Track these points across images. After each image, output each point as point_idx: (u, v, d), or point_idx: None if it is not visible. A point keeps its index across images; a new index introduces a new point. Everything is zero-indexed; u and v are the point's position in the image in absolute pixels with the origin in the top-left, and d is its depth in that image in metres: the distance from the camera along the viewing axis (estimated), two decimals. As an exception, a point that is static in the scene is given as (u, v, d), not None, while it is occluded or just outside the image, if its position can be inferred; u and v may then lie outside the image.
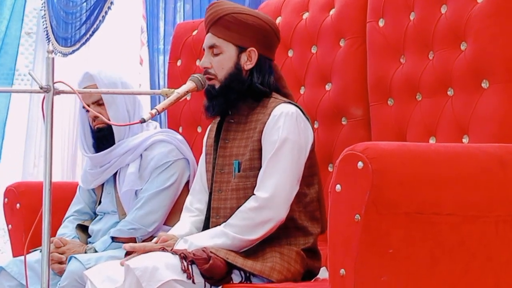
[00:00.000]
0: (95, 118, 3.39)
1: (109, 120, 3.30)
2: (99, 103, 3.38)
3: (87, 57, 5.73)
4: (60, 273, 3.22)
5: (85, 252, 3.26)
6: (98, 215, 3.50)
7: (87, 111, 3.39)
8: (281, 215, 2.75)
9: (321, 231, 2.85)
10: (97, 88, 3.32)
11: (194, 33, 3.82)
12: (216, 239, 2.73)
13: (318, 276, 2.87)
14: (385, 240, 2.21)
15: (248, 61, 2.88)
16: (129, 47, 5.58)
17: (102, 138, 3.41)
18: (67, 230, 3.46)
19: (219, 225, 2.80)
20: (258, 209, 2.73)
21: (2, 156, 6.09)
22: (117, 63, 5.49)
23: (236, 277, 2.69)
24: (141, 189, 3.35)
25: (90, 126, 3.45)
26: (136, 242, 3.19)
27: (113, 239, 3.28)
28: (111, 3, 5.40)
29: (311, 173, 2.86)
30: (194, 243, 2.72)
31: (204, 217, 2.95)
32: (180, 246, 2.73)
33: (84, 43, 5.68)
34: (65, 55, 5.80)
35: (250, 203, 2.76)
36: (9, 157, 6.16)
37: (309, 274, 2.84)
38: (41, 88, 2.51)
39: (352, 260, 2.20)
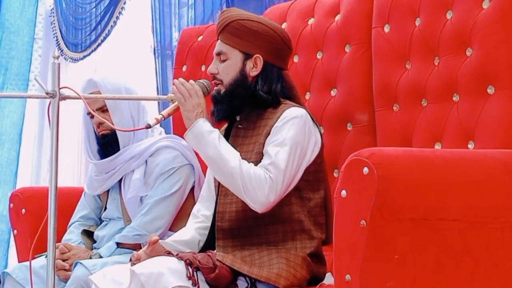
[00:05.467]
0: (99, 124, 3.39)
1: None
2: (102, 109, 3.38)
3: (100, 64, 5.71)
4: (65, 279, 3.22)
5: (90, 258, 3.26)
6: (103, 221, 3.50)
7: (91, 117, 3.40)
8: (270, 197, 2.69)
9: (326, 240, 2.84)
10: (100, 94, 3.32)
11: (200, 38, 3.82)
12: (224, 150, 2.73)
13: (323, 281, 2.86)
14: (391, 246, 2.20)
15: (254, 68, 2.88)
16: (141, 53, 5.55)
17: (107, 144, 3.41)
18: (73, 235, 3.46)
19: (224, 229, 2.81)
20: (269, 177, 2.69)
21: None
22: (129, 69, 5.47)
23: (241, 283, 2.69)
24: (146, 195, 3.35)
25: (95, 133, 3.46)
26: (141, 248, 3.19)
27: (118, 245, 3.28)
28: (122, 8, 5.38)
29: (317, 178, 2.85)
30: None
31: (210, 224, 2.94)
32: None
33: (95, 49, 5.65)
34: (75, 60, 5.79)
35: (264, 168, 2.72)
36: (24, 162, 6.16)
37: (315, 279, 2.83)
38: (47, 93, 2.52)
39: (358, 266, 2.19)
